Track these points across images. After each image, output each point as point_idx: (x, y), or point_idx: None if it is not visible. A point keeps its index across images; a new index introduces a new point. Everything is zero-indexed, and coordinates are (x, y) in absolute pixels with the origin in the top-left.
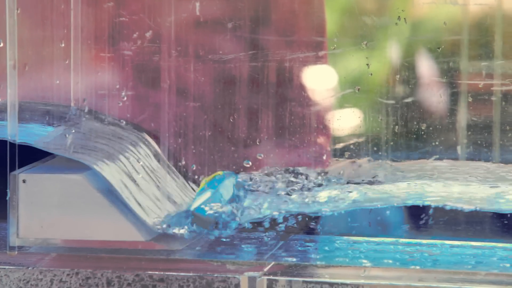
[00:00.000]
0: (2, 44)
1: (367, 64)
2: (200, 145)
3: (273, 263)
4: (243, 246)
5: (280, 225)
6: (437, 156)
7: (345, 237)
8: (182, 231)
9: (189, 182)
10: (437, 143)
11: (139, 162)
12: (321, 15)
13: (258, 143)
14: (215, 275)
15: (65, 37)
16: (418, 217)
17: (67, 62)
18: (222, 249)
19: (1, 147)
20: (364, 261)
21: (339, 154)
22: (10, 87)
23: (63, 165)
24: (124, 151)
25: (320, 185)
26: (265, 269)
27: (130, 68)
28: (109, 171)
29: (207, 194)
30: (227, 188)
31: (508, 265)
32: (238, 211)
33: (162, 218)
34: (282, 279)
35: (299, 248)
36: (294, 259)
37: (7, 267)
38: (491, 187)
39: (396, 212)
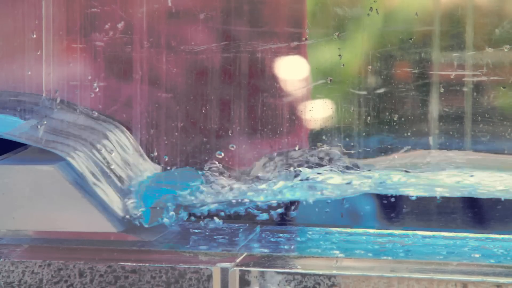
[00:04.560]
0: None
1: (339, 55)
2: (173, 136)
3: (245, 254)
4: (215, 237)
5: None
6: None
7: (317, 228)
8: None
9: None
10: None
11: (111, 153)
12: (297, 5)
13: (230, 134)
14: (187, 266)
15: (36, 28)
16: (390, 208)
17: (38, 53)
18: (194, 240)
19: None
20: (336, 251)
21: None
22: None
23: (35, 157)
24: (96, 142)
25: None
26: (238, 260)
27: (102, 59)
28: (81, 162)
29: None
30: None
31: (479, 255)
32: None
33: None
34: (255, 270)
35: (272, 239)
36: (267, 250)
37: None
38: None
39: (368, 202)
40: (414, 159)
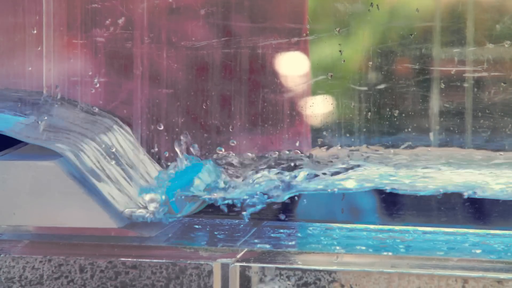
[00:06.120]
0: None
1: (340, 51)
2: (173, 132)
3: (246, 249)
4: (216, 232)
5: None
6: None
7: (318, 224)
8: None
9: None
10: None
11: (112, 149)
12: (297, 1)
13: (231, 130)
14: (188, 261)
15: (37, 23)
16: (390, 204)
17: (39, 48)
18: (195, 236)
19: None
20: (337, 247)
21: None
22: None
23: (35, 152)
24: (96, 137)
25: None
26: (238, 256)
27: (102, 55)
28: (82, 157)
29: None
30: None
31: (479, 251)
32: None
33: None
34: (255, 265)
35: (272, 235)
36: (267, 246)
37: None
38: None
39: (368, 198)
40: None
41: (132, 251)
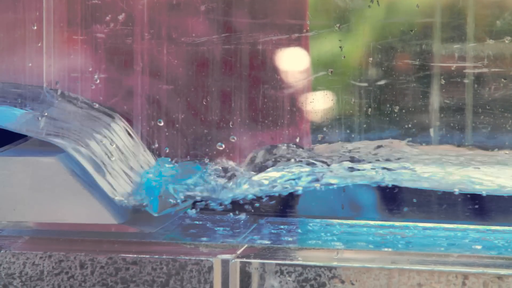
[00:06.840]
0: None
1: (340, 47)
2: (173, 128)
3: (246, 245)
4: (216, 228)
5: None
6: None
7: (318, 220)
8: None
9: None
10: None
11: (112, 145)
12: None
13: (231, 126)
14: (188, 257)
15: (37, 19)
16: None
17: (39, 44)
18: (195, 232)
19: None
20: (337, 243)
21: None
22: None
23: (35, 148)
24: (96, 133)
25: None
26: (238, 252)
27: (103, 51)
28: (82, 154)
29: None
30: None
31: (479, 247)
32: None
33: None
34: (255, 261)
35: (272, 231)
36: (267, 242)
37: None
38: None
39: (369, 194)
40: None
41: (132, 247)
